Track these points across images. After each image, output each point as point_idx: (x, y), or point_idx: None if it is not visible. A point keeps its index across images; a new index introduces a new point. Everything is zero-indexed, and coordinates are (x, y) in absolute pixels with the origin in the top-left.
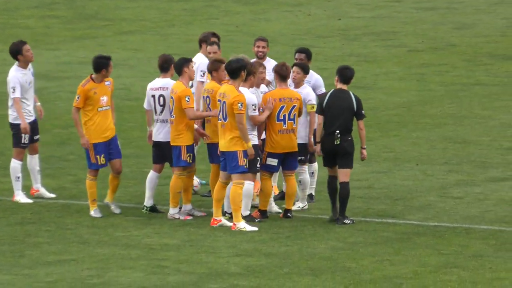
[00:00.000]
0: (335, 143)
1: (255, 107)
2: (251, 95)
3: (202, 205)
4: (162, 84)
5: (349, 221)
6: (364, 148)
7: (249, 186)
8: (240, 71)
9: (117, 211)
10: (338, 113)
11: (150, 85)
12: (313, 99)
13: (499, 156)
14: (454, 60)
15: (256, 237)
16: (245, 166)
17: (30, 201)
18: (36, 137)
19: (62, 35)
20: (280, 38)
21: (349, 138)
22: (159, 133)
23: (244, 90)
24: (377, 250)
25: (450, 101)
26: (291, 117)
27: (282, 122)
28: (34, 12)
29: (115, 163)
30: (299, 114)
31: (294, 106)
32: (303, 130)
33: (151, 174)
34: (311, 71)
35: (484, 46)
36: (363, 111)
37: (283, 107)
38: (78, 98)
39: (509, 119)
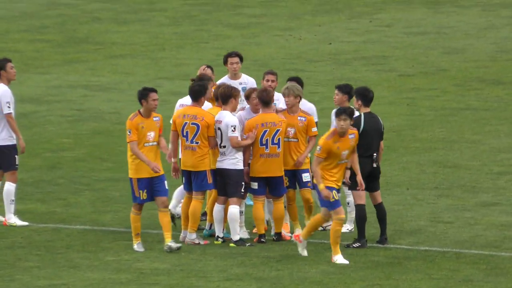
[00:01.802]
0: (374, 165)
1: (234, 128)
2: (232, 117)
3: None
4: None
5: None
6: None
7: (233, 210)
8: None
9: (176, 246)
10: (374, 136)
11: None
12: None
13: (489, 181)
14: (445, 84)
15: (246, 261)
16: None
17: (25, 223)
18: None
19: (53, 59)
20: (271, 62)
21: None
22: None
23: (225, 113)
24: (367, 275)
25: (440, 125)
26: (275, 141)
27: (265, 146)
28: (24, 36)
29: (158, 200)
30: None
31: (278, 130)
32: None
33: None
34: (303, 99)
35: (474, 71)
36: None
37: (265, 131)
38: (130, 132)
39: (499, 144)
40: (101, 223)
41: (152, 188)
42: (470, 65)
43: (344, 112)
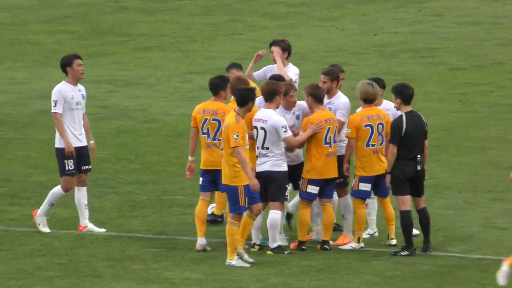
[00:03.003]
0: (418, 168)
1: (285, 128)
2: (279, 116)
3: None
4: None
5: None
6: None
7: (275, 215)
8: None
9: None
10: (417, 137)
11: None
12: None
13: None
14: (500, 79)
15: (285, 270)
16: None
17: (48, 230)
18: (84, 167)
19: (75, 52)
20: (310, 55)
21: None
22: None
23: (270, 111)
24: (416, 285)
25: (495, 123)
26: (336, 139)
27: (328, 145)
28: (44, 27)
29: (255, 207)
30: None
31: (337, 127)
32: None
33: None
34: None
35: None
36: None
37: (329, 129)
38: (237, 136)
39: None
40: (128, 229)
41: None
42: None
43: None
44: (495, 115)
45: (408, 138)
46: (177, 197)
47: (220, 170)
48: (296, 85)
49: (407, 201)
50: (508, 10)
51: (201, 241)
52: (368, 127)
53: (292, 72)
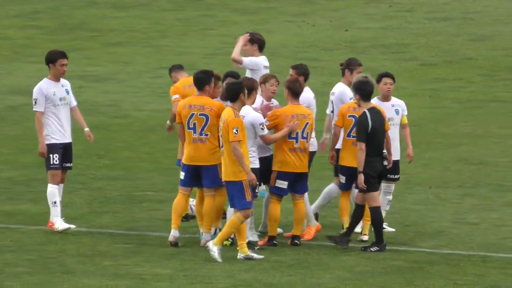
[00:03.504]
0: (385, 163)
1: (263, 126)
2: (257, 113)
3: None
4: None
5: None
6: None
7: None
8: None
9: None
10: (382, 133)
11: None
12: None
13: None
14: (470, 74)
15: (256, 266)
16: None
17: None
18: (65, 164)
19: (45, 47)
20: (282, 50)
21: None
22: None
23: (247, 108)
24: (386, 281)
25: (466, 119)
26: (304, 135)
27: (294, 140)
28: (14, 22)
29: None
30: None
31: (307, 123)
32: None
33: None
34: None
35: (503, 60)
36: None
37: (295, 122)
38: (237, 131)
39: None
40: (98, 224)
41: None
42: (499, 53)
43: None
44: (466, 111)
45: (374, 135)
46: (148, 193)
47: (204, 166)
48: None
49: (377, 198)
50: (479, 6)
51: (174, 232)
52: (352, 118)
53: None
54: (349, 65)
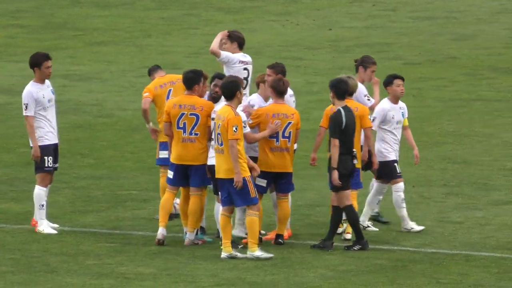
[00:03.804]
0: (354, 162)
1: (245, 124)
2: (240, 112)
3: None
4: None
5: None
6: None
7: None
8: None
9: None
10: (353, 131)
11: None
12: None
13: (502, 178)
14: (453, 73)
15: (239, 265)
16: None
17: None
18: (54, 165)
19: (28, 46)
20: (265, 49)
21: None
22: None
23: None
24: (370, 279)
25: (449, 118)
26: (286, 134)
27: (275, 139)
28: None
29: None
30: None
31: (289, 123)
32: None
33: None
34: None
35: (486, 59)
36: None
37: (277, 123)
38: (236, 129)
39: None
40: (82, 224)
41: None
42: (482, 53)
43: None
44: (449, 110)
45: (346, 133)
46: (131, 192)
47: (194, 166)
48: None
49: (349, 196)
50: (462, 5)
51: (163, 231)
52: None
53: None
54: (363, 63)
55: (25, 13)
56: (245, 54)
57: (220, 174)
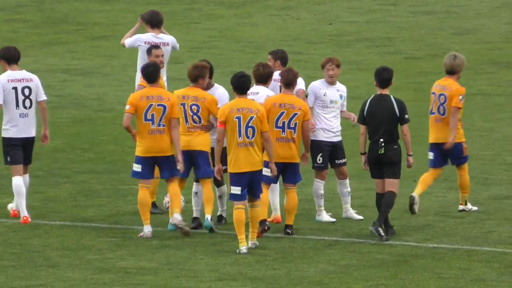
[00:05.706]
0: (380, 152)
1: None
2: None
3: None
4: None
5: (383, 235)
6: (410, 155)
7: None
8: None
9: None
10: (381, 120)
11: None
12: None
13: (503, 172)
14: None
15: (240, 259)
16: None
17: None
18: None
19: (29, 40)
20: (267, 44)
21: (395, 147)
22: None
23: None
24: (371, 274)
25: None
26: (291, 125)
27: (281, 129)
28: None
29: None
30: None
31: (295, 114)
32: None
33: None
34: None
35: (486, 53)
36: (406, 116)
37: (282, 113)
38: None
39: None
40: (82, 218)
41: None
42: (482, 47)
43: None
44: None
45: (370, 121)
46: (132, 187)
47: (164, 157)
48: None
49: (394, 183)
50: (462, 0)
51: (149, 228)
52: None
53: None
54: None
55: (26, 8)
56: (154, 34)
57: (246, 167)
